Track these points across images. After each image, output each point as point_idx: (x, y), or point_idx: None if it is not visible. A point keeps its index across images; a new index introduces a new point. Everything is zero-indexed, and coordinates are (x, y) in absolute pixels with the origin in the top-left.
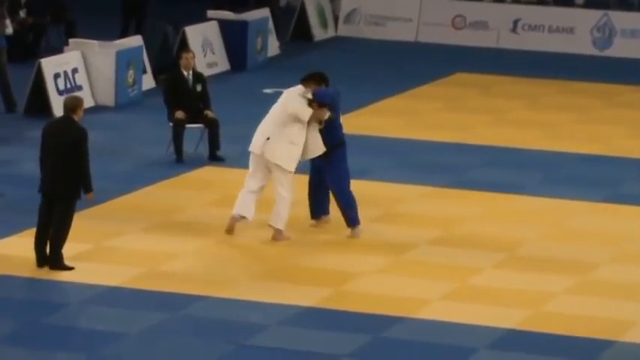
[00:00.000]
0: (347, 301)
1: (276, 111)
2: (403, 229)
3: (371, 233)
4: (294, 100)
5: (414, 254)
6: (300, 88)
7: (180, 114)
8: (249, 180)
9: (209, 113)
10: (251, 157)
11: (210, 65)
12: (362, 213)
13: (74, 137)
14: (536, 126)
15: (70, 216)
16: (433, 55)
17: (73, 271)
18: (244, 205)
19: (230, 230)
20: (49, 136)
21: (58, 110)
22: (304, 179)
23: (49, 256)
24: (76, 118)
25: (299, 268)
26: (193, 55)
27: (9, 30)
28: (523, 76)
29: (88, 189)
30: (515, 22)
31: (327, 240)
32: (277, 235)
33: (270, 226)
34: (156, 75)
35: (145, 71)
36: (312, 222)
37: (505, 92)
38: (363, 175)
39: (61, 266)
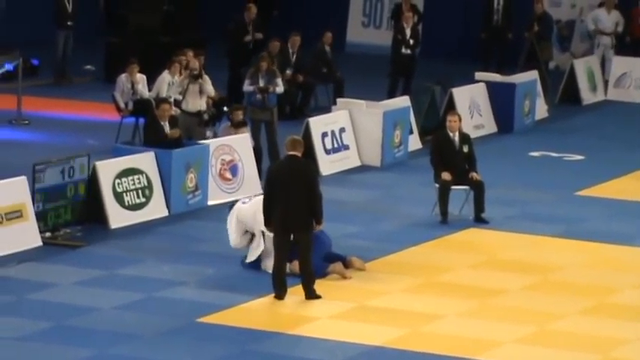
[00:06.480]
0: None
1: None
2: None
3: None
4: None
5: None
6: None
7: (446, 175)
8: None
9: (475, 175)
10: None
11: (477, 127)
12: (623, 279)
13: (308, 172)
14: None
15: (312, 244)
16: None
17: (335, 330)
18: None
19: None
20: (281, 175)
21: (323, 168)
22: None
23: (306, 285)
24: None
25: None
26: (459, 118)
27: (280, 89)
28: None
29: (320, 220)
30: None
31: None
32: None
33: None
34: (422, 136)
35: (411, 132)
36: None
37: None
38: (631, 240)
39: (313, 295)
